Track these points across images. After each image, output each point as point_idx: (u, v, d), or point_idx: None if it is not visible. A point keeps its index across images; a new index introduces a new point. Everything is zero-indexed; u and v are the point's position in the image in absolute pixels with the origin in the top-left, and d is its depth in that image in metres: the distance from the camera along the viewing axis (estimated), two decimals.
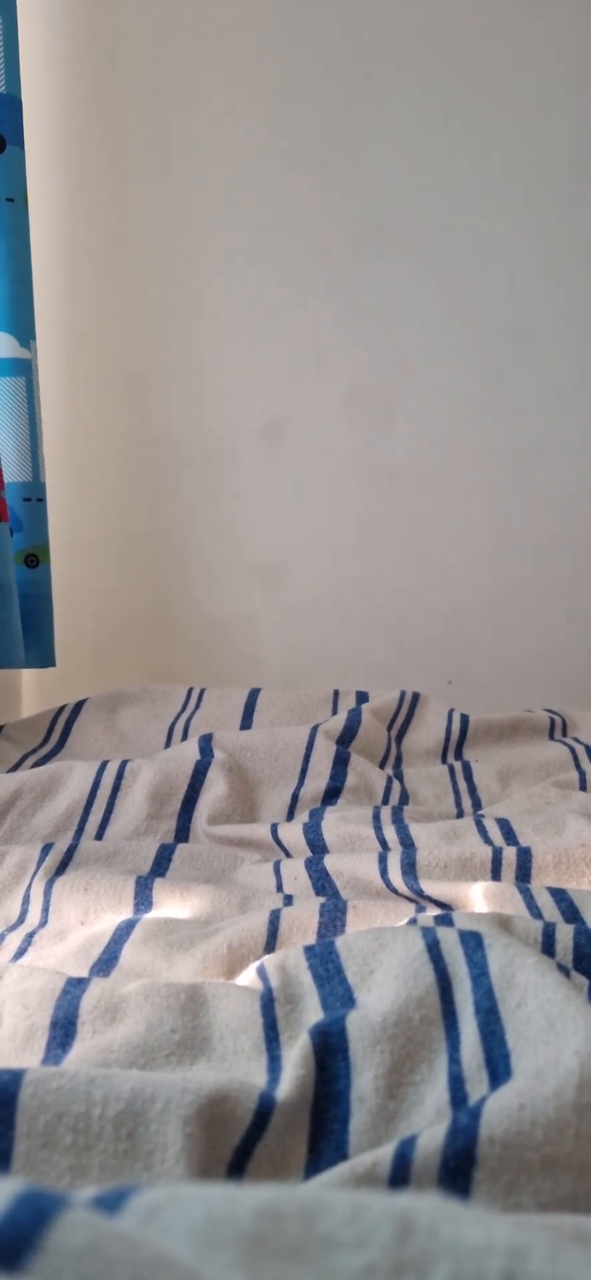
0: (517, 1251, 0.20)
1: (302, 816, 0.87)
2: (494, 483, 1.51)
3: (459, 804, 0.94)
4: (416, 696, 1.13)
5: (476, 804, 0.94)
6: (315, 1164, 0.41)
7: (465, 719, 1.10)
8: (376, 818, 0.83)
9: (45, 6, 1.45)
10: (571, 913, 0.60)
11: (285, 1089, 0.41)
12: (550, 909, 0.61)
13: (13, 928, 0.67)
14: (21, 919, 0.69)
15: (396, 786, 0.95)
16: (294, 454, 1.51)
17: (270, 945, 0.59)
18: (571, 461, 1.51)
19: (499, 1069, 0.42)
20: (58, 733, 1.07)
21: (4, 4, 1.21)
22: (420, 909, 0.65)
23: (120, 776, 0.88)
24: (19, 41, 1.25)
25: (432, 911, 0.63)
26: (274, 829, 0.81)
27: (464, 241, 1.48)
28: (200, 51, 1.46)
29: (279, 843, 0.80)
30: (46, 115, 1.45)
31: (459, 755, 1.07)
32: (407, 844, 0.76)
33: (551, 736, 1.10)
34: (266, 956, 0.53)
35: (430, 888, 0.67)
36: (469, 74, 1.46)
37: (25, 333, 1.23)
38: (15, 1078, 0.38)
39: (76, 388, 1.50)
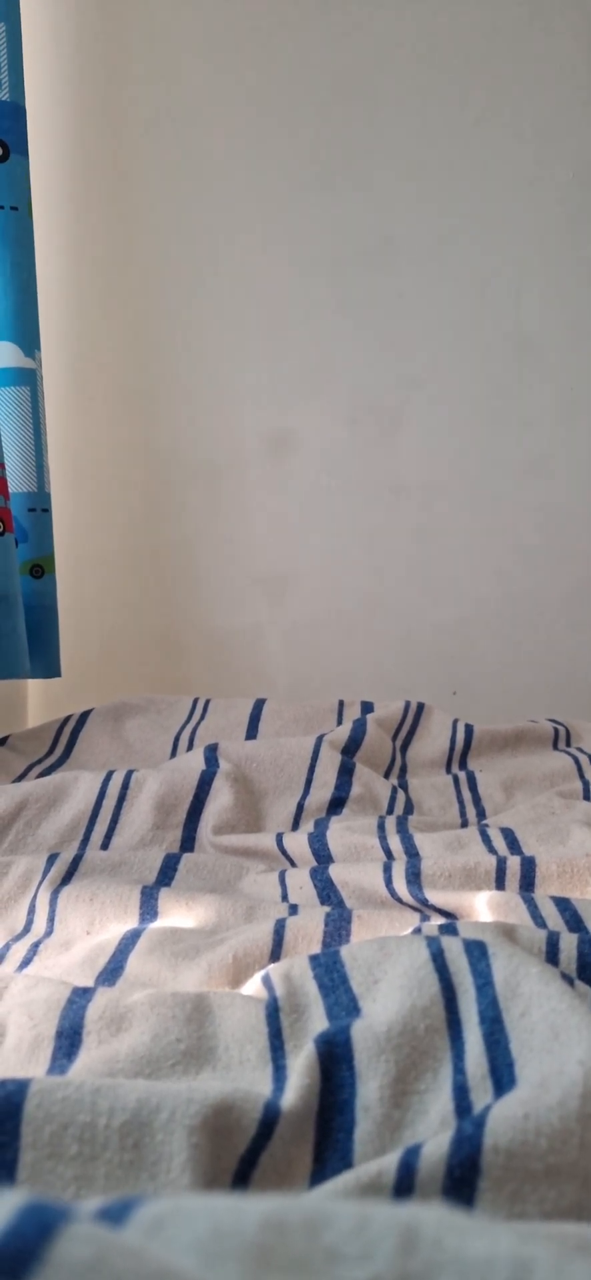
0: (522, 1264, 0.20)
1: (308, 826, 0.87)
2: (498, 495, 1.51)
3: (463, 814, 0.94)
4: (421, 707, 1.13)
5: (481, 814, 0.94)
6: (320, 1173, 0.41)
7: (469, 729, 1.10)
8: (381, 827, 0.83)
9: (49, 14, 1.46)
10: (575, 922, 0.60)
11: (290, 1098, 0.42)
12: (554, 918, 0.61)
13: (18, 938, 0.68)
14: (27, 929, 0.69)
15: (401, 796, 0.95)
16: (299, 467, 1.52)
17: (275, 955, 0.59)
18: (576, 474, 1.51)
19: (503, 1078, 0.42)
20: (63, 743, 1.08)
21: (8, 11, 1.21)
22: (425, 918, 0.65)
23: (126, 787, 0.88)
24: (23, 49, 1.25)
25: (437, 921, 0.63)
26: (279, 839, 0.81)
27: (468, 255, 1.49)
28: (205, 63, 1.47)
29: (284, 852, 0.80)
30: (51, 123, 1.46)
31: (463, 765, 1.07)
32: (412, 854, 0.76)
33: (555, 747, 1.10)
34: (271, 966, 0.53)
35: (435, 897, 0.67)
36: (473, 89, 1.47)
37: (30, 342, 1.24)
38: (20, 1088, 0.38)
39: (81, 398, 1.51)
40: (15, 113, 1.22)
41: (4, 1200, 0.21)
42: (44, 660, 1.26)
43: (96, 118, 1.48)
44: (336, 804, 0.91)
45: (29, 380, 1.23)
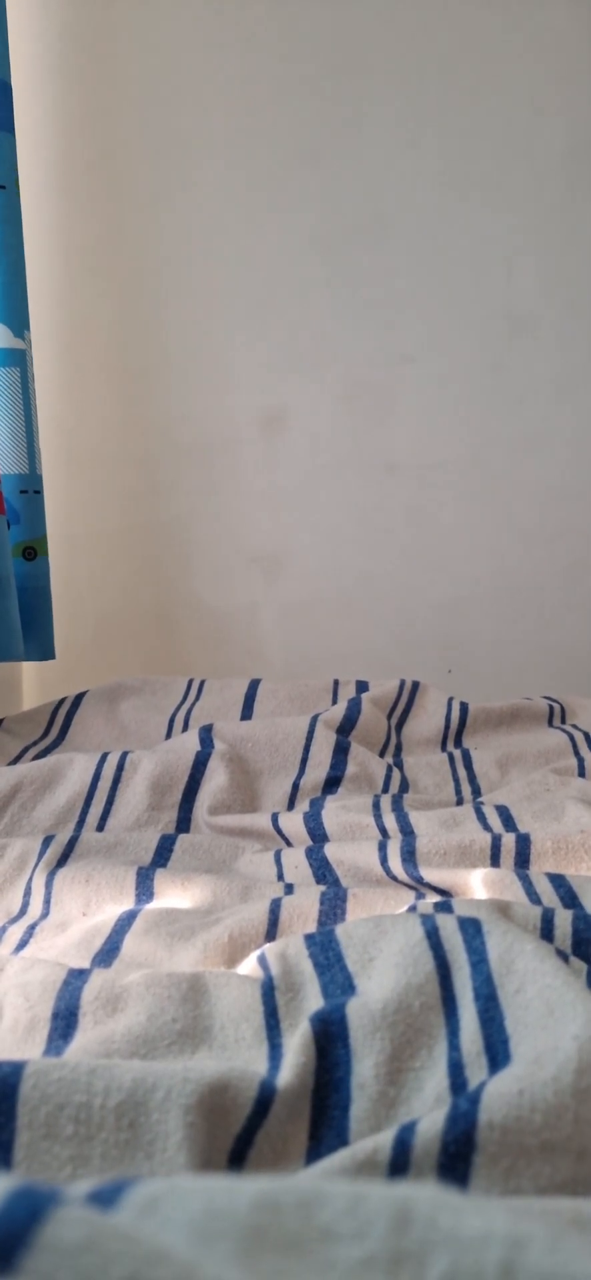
0: (516, 1242, 0.20)
1: (303, 806, 0.88)
2: (492, 473, 1.51)
3: (458, 791, 0.94)
4: (416, 685, 1.13)
5: (476, 791, 0.94)
6: (316, 1151, 0.41)
7: (464, 707, 1.10)
8: (376, 806, 0.83)
9: None
10: (570, 898, 0.60)
11: (286, 1077, 0.42)
12: (549, 895, 0.61)
13: (14, 920, 0.68)
14: (23, 911, 0.69)
15: (396, 775, 0.95)
16: (293, 445, 1.51)
17: (271, 934, 0.59)
18: (569, 451, 1.51)
19: (498, 1055, 0.42)
20: (58, 725, 1.07)
21: None
22: (420, 896, 0.65)
23: (121, 768, 0.88)
24: (8, 25, 1.24)
25: (432, 898, 0.63)
26: (274, 818, 0.81)
27: (461, 231, 1.48)
28: (195, 36, 1.46)
29: (280, 832, 0.80)
30: (38, 100, 1.45)
31: (458, 743, 1.07)
32: (407, 832, 0.76)
33: (550, 724, 1.11)
34: (267, 945, 0.53)
35: (430, 875, 0.67)
36: (465, 62, 1.46)
37: (19, 322, 1.23)
38: (16, 1069, 0.39)
39: (72, 379, 1.50)
40: (1, 90, 1.21)
41: None
42: (38, 643, 1.26)
43: (84, 94, 1.46)
44: (332, 783, 0.91)
45: (19, 361, 1.23)
